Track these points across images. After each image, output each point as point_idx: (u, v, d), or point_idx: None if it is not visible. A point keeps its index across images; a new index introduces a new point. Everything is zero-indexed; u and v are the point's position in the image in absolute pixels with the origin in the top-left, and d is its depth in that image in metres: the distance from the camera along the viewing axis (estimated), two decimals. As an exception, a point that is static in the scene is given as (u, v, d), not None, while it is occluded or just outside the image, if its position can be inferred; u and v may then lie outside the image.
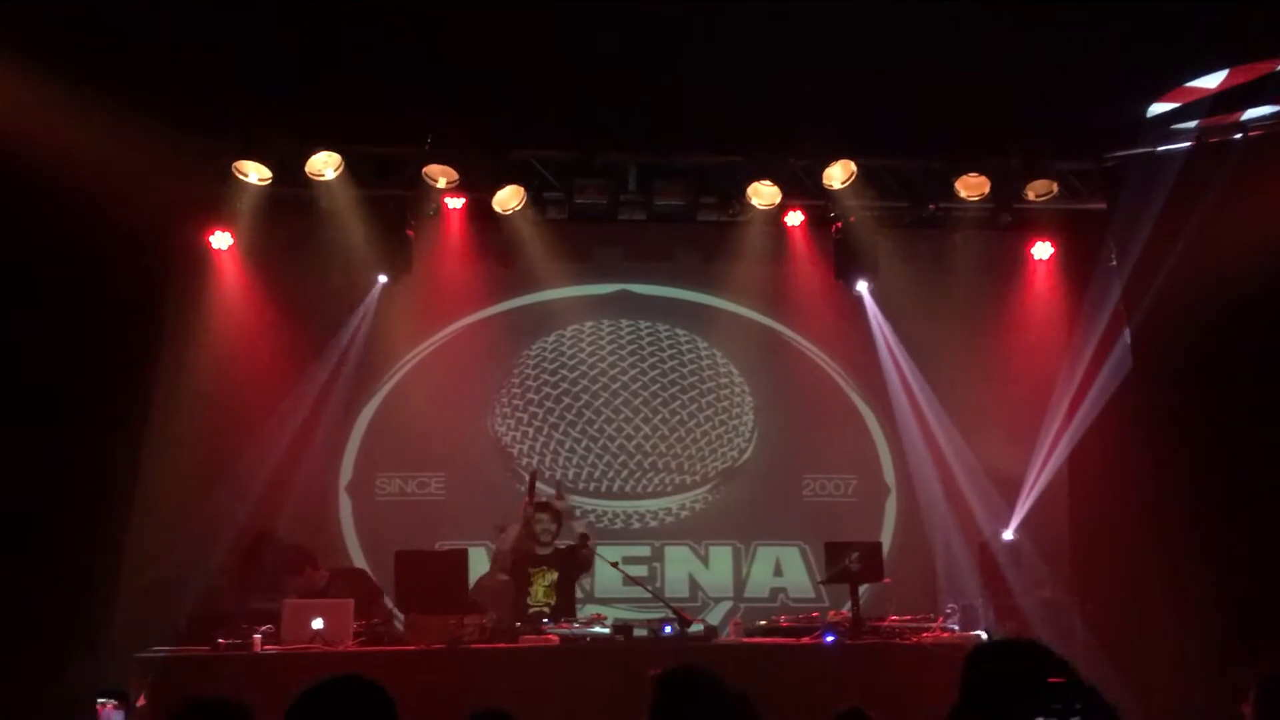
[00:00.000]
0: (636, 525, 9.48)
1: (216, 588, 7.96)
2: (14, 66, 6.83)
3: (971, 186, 8.87)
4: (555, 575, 7.69)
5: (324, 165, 8.47)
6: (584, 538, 7.87)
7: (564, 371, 9.64)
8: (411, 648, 6.80)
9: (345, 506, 9.21)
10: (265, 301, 8.94)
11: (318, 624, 6.91)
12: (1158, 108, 8.03)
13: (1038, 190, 8.91)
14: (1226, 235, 7.79)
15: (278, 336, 8.88)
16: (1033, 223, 9.31)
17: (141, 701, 6.22)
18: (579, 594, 8.87)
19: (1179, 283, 8.03)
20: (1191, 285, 7.96)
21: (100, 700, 3.10)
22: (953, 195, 8.92)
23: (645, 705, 3.10)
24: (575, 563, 7.75)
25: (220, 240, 8.79)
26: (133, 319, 8.16)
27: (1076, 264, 9.33)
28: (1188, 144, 8.28)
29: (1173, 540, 8.00)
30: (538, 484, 7.98)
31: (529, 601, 7.56)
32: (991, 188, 8.85)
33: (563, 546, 7.77)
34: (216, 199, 8.63)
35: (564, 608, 7.63)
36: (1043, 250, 9.45)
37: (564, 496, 8.27)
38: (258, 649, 6.73)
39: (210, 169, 8.58)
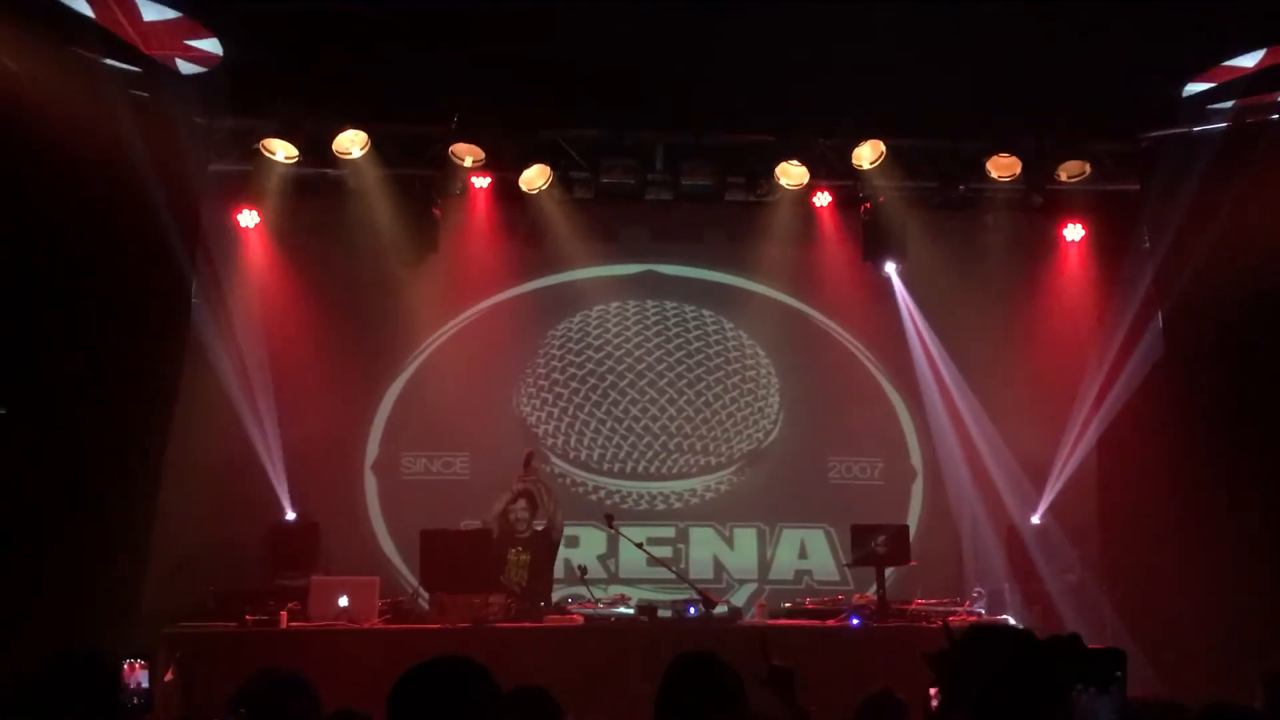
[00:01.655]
0: (661, 506, 9.47)
1: (244, 565, 8.03)
2: (38, 46, 6.86)
3: (1003, 167, 8.76)
4: (528, 557, 7.69)
5: (351, 144, 8.46)
6: (609, 518, 7.88)
7: (590, 352, 9.62)
8: (436, 626, 6.84)
9: (371, 485, 9.25)
10: (292, 280, 8.97)
11: (343, 601, 6.97)
12: (1194, 87, 7.90)
13: (1070, 171, 8.79)
14: (1262, 218, 7.67)
15: (305, 315, 8.90)
16: (1064, 204, 9.18)
17: (169, 675, 6.29)
18: (604, 574, 8.92)
19: (1212, 266, 7.92)
20: (1225, 268, 7.84)
21: (128, 661, 3.11)
22: (983, 176, 8.82)
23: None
24: (546, 546, 7.76)
25: (248, 219, 8.82)
26: (162, 298, 8.21)
27: (1108, 246, 9.20)
28: (1224, 124, 8.14)
29: (1203, 526, 7.91)
30: (535, 459, 7.98)
31: (502, 579, 7.56)
32: (1023, 168, 8.74)
33: (539, 528, 7.76)
34: (244, 177, 8.65)
35: (539, 590, 7.62)
36: (1074, 232, 9.32)
37: (537, 465, 8.15)
38: (284, 625, 6.78)
39: (238, 148, 8.61)
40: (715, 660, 3.23)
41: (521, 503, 7.76)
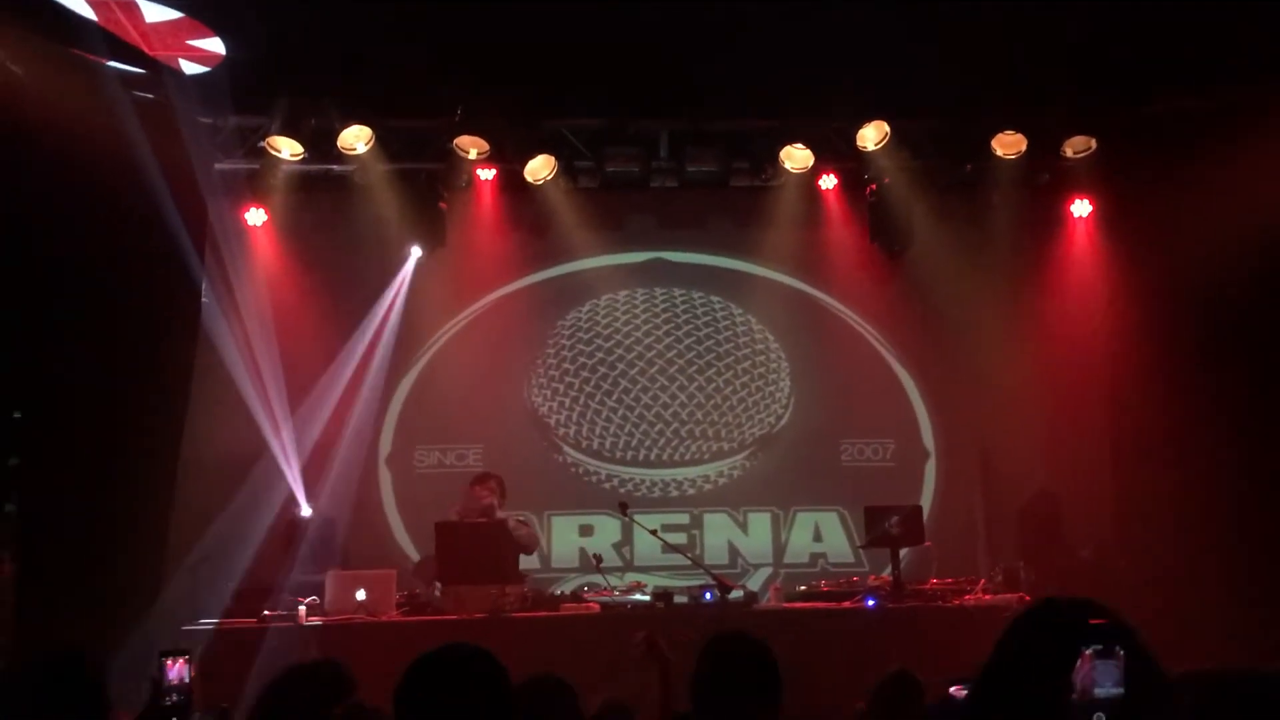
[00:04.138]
0: (675, 493, 9.49)
1: (262, 561, 8.07)
2: (42, 49, 6.89)
3: (1008, 144, 8.73)
4: None
5: (355, 140, 8.48)
6: (623, 506, 7.90)
7: (599, 341, 9.64)
8: (453, 617, 6.87)
9: (385, 480, 9.29)
10: (301, 277, 8.99)
11: (361, 595, 7.01)
12: (1201, 56, 7.84)
13: (1076, 146, 8.76)
14: (1273, 184, 7.62)
15: (314, 312, 8.94)
16: (1071, 180, 9.14)
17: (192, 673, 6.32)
18: (619, 562, 8.95)
19: (1223, 237, 7.87)
20: (1239, 242, 7.80)
21: (169, 657, 3.10)
22: (989, 154, 8.79)
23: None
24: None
25: (255, 217, 8.84)
26: (172, 298, 8.26)
27: (1116, 220, 9.16)
28: (1232, 93, 8.09)
29: (1218, 501, 7.90)
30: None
31: None
32: (1029, 145, 8.71)
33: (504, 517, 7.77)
34: (251, 176, 8.68)
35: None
36: (1082, 208, 9.28)
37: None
38: (303, 620, 6.82)
39: (243, 147, 8.63)
40: (751, 639, 3.24)
41: (491, 485, 7.76)
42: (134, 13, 7.11)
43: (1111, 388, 8.98)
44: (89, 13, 6.98)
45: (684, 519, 9.38)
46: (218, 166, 8.60)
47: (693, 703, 3.14)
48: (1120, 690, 1.71)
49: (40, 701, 2.88)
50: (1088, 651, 1.70)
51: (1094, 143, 8.70)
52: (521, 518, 8.01)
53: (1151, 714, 1.77)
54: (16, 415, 7.73)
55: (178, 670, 3.05)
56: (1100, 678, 1.70)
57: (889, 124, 8.62)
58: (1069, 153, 8.78)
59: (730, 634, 3.27)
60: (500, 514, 7.74)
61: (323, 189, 8.90)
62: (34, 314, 7.53)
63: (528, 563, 8.38)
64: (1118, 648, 1.71)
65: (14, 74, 6.94)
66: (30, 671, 3.03)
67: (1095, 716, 1.70)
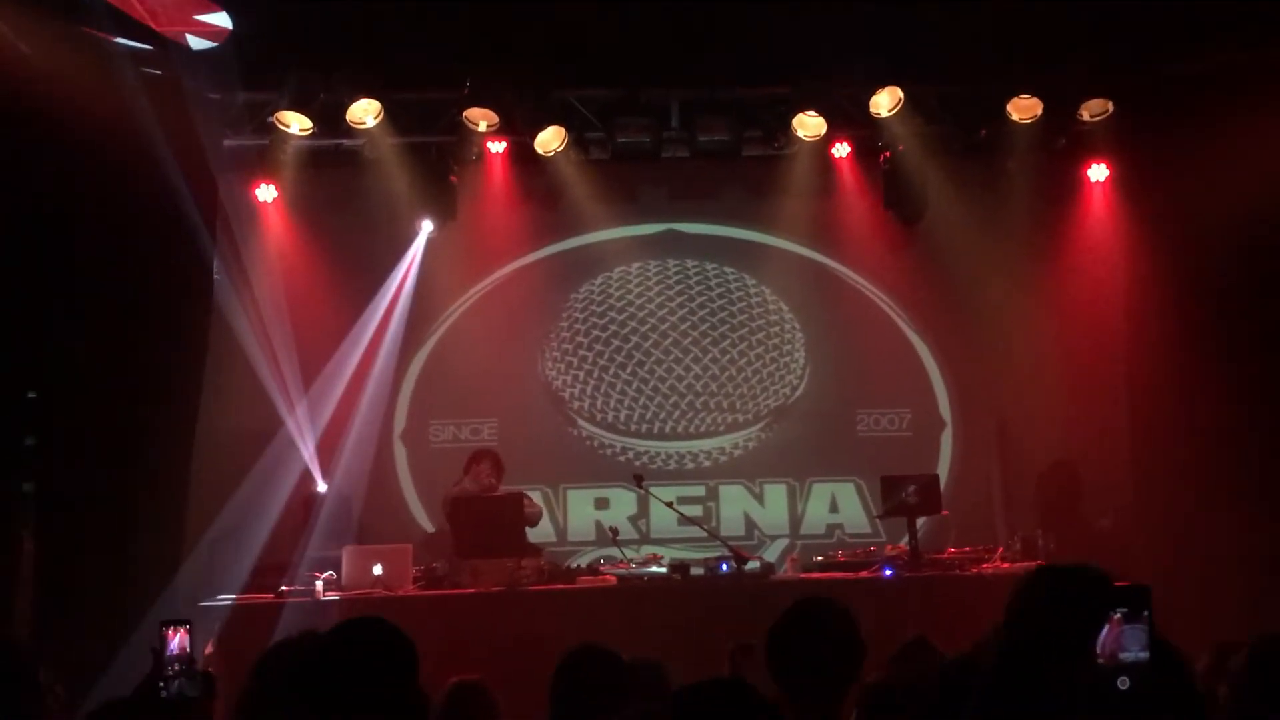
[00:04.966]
0: (690, 465, 9.47)
1: (278, 537, 8.10)
2: (49, 27, 6.86)
3: (1023, 109, 8.60)
4: None
5: (364, 113, 8.42)
6: (638, 479, 7.89)
7: (613, 314, 9.60)
8: (470, 591, 6.89)
9: (400, 455, 9.29)
10: (313, 253, 8.97)
11: (378, 570, 7.03)
12: (1217, 16, 7.72)
13: (1092, 110, 8.63)
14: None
15: (326, 288, 8.93)
16: (1088, 144, 9.02)
17: (210, 649, 6.37)
18: (635, 535, 8.95)
19: (1243, 201, 7.76)
20: (1256, 204, 7.70)
21: (169, 626, 3.09)
22: (1004, 119, 8.67)
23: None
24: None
25: (266, 193, 8.81)
26: (184, 275, 8.25)
27: (1135, 185, 9.04)
28: (1250, 53, 7.96)
29: (1237, 470, 7.84)
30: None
31: None
32: (1044, 109, 8.59)
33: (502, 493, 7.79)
34: (260, 152, 8.64)
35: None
36: (1099, 172, 9.16)
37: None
38: (320, 595, 6.85)
39: (252, 123, 8.59)
40: (835, 605, 3.23)
41: (485, 464, 7.79)
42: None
43: (1130, 355, 8.90)
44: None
45: (700, 491, 9.36)
46: (227, 142, 8.56)
47: (772, 667, 3.12)
48: (1146, 654, 1.67)
49: None
50: (1116, 615, 1.67)
51: (1111, 105, 8.57)
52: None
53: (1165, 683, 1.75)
54: (31, 395, 7.75)
55: (179, 640, 3.04)
56: (1128, 642, 1.66)
57: (902, 90, 8.52)
58: (1086, 116, 8.65)
59: (812, 600, 3.27)
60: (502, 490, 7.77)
61: (332, 164, 8.87)
62: (46, 294, 7.54)
63: (542, 536, 8.39)
64: (1145, 611, 1.68)
65: (22, 53, 6.91)
66: None
67: (1120, 680, 1.67)
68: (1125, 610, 1.67)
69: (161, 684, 3.00)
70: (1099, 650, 1.67)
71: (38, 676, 3.11)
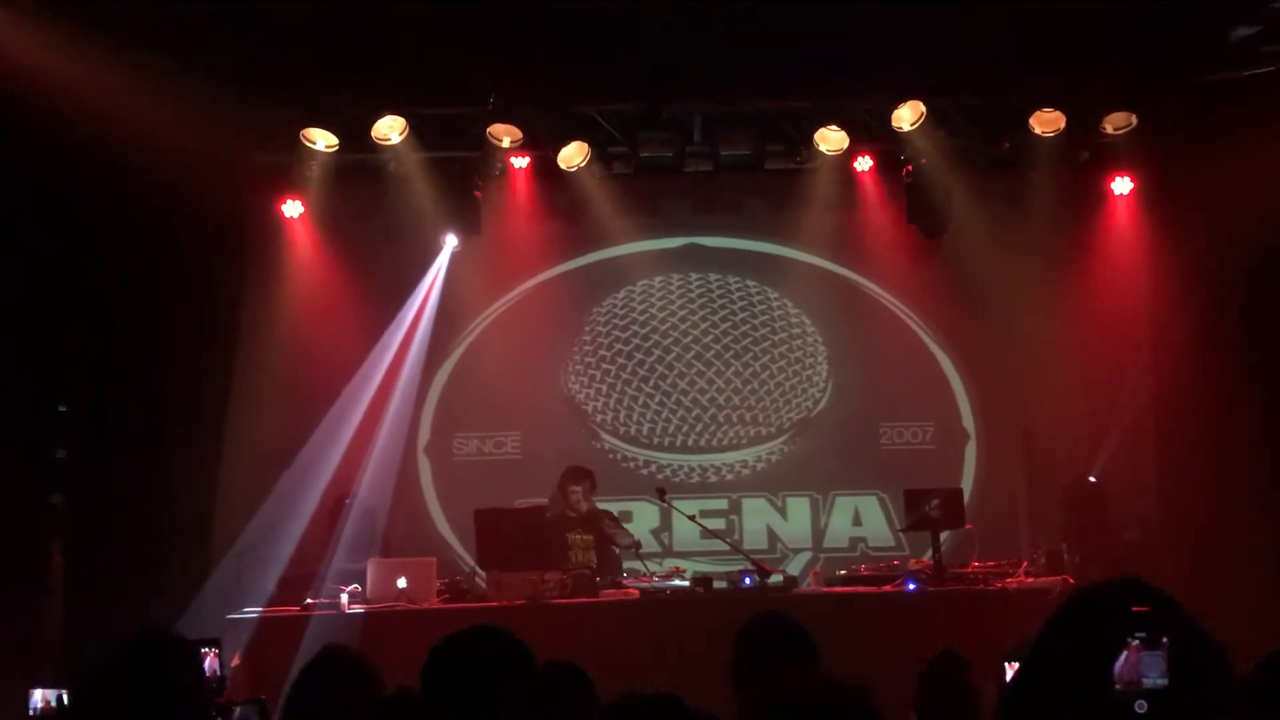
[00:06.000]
0: (713, 479, 9.47)
1: (304, 550, 8.16)
2: (76, 44, 6.94)
3: (1046, 122, 8.58)
4: (590, 536, 7.73)
5: (389, 129, 8.50)
6: (661, 492, 7.90)
7: (635, 327, 9.63)
8: (494, 604, 6.92)
9: (425, 468, 9.34)
10: (338, 268, 9.03)
11: (402, 583, 7.07)
12: (1244, 30, 7.69)
13: (1116, 123, 8.60)
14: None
15: (352, 302, 8.98)
16: (1111, 157, 8.99)
17: (237, 661, 6.42)
18: (658, 547, 8.96)
19: (1267, 214, 7.73)
20: (1278, 214, 7.66)
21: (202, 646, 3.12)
22: (1027, 132, 8.65)
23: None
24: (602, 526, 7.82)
25: (292, 209, 8.89)
26: (210, 292, 8.34)
27: (1158, 197, 9.00)
28: (1275, 68, 7.93)
29: (1263, 483, 7.78)
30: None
31: (571, 564, 7.58)
32: (1067, 122, 8.57)
33: (590, 507, 7.84)
34: (287, 168, 8.73)
35: (607, 565, 7.66)
36: (1122, 185, 9.13)
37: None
38: (345, 608, 6.89)
39: (279, 138, 8.68)
40: (787, 617, 3.36)
41: (580, 487, 7.80)
42: (167, 4, 7.15)
43: (1155, 367, 8.86)
44: (122, 3, 7.01)
45: (722, 504, 9.37)
46: (253, 159, 8.65)
47: (732, 682, 3.21)
48: (1165, 681, 1.67)
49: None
50: (1134, 641, 1.67)
51: (1134, 118, 8.54)
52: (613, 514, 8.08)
53: (1209, 689, 1.73)
54: (62, 409, 7.85)
55: (209, 662, 3.07)
56: (1146, 669, 1.67)
57: (924, 103, 8.52)
58: (1109, 129, 8.63)
59: (767, 612, 3.46)
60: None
61: (358, 179, 8.92)
62: (76, 308, 7.63)
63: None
64: (1163, 637, 1.68)
65: (47, 68, 7.00)
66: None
67: (1136, 704, 1.67)
68: (1143, 635, 1.67)
69: (216, 714, 3.00)
70: (1115, 678, 1.67)
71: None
